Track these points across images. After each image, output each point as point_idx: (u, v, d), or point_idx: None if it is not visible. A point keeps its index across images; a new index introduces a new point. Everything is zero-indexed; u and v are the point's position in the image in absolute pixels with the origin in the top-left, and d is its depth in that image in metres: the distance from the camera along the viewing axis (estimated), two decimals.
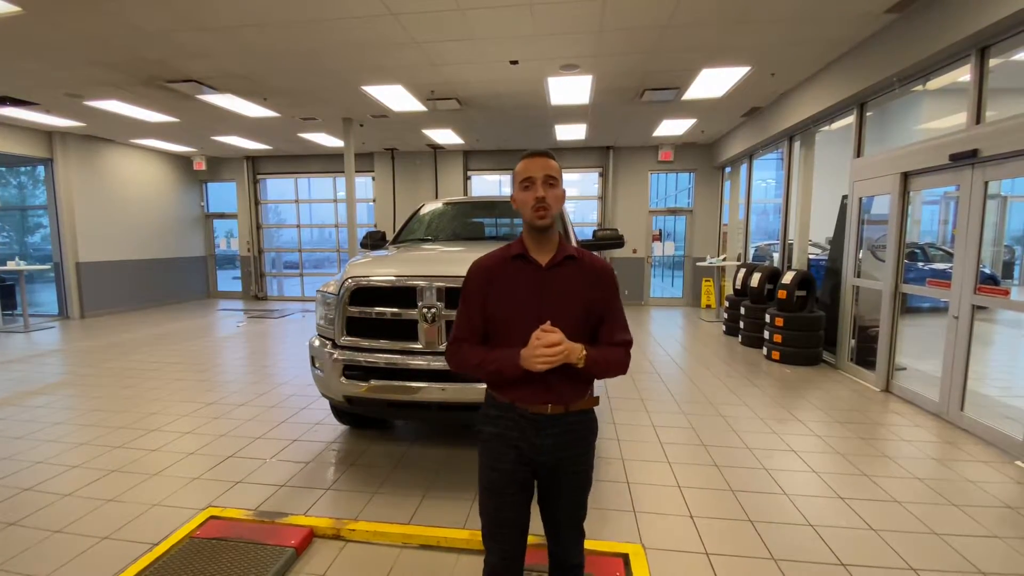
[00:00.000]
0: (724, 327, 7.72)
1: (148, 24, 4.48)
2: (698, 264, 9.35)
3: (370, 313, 3.06)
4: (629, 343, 1.56)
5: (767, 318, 6.07)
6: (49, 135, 8.61)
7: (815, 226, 6.88)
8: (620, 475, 3.15)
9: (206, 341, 7.30)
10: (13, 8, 4.11)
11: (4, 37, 4.66)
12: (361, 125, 8.27)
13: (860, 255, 5.50)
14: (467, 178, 10.89)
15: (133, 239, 10.08)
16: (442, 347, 2.95)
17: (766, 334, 6.09)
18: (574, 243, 4.25)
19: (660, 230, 10.92)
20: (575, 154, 10.63)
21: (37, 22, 4.37)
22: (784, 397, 4.65)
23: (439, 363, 2.93)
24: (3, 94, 6.46)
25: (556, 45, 5.05)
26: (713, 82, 6.23)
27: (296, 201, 11.73)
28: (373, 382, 3.01)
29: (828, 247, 6.72)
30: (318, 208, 11.99)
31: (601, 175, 10.71)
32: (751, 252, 9.27)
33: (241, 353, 6.63)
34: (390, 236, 4.64)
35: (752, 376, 5.33)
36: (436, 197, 10.66)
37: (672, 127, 8.72)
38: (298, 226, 11.87)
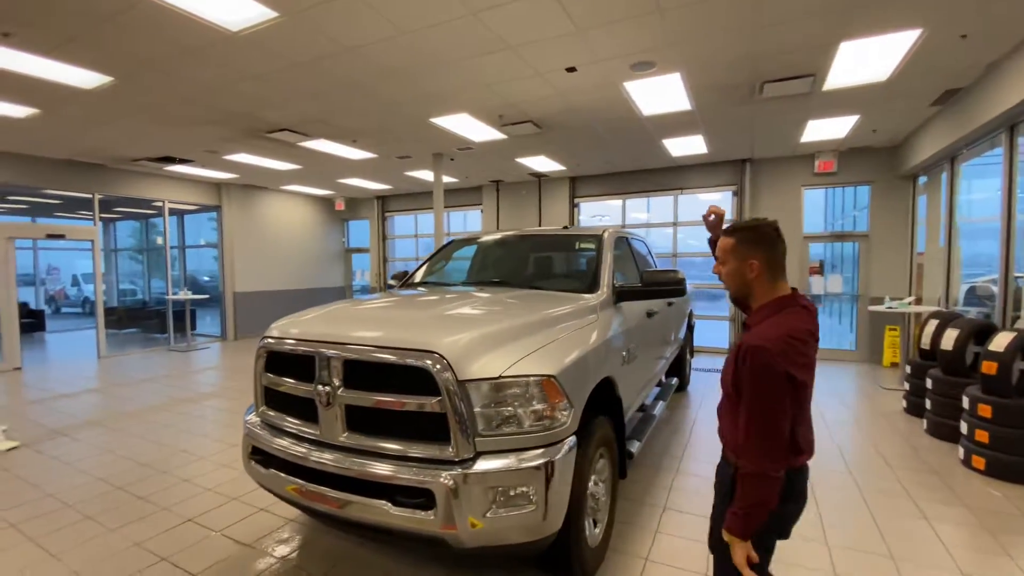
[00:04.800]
0: (904, 402, 5.40)
1: (212, 79, 4.76)
2: (871, 309, 6.91)
3: (278, 384, 2.47)
4: (744, 446, 1.42)
5: (966, 401, 3.93)
6: (218, 186, 10.29)
7: None
8: None
9: None
10: (107, 78, 4.71)
11: (111, 103, 5.40)
12: (452, 159, 8.10)
13: None
14: (574, 205, 10.01)
15: (282, 272, 11.47)
16: (343, 438, 2.20)
17: (964, 426, 3.93)
18: (603, 284, 3.18)
19: (821, 261, 8.53)
20: (700, 172, 8.98)
21: (130, 89, 4.96)
22: (989, 540, 2.75)
23: (330, 459, 2.17)
24: (163, 155, 7.77)
25: (611, 40, 4.03)
26: (865, 59, 4.43)
27: (416, 236, 12.22)
28: (273, 471, 2.39)
29: None
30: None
31: (735, 194, 8.85)
32: (961, 292, 6.54)
33: None
34: None
35: (936, 494, 3.37)
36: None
37: (825, 128, 6.68)
38: (417, 259, 12.32)
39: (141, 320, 11.12)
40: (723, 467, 1.65)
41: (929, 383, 4.62)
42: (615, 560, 2.71)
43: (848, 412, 5.35)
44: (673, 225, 9.52)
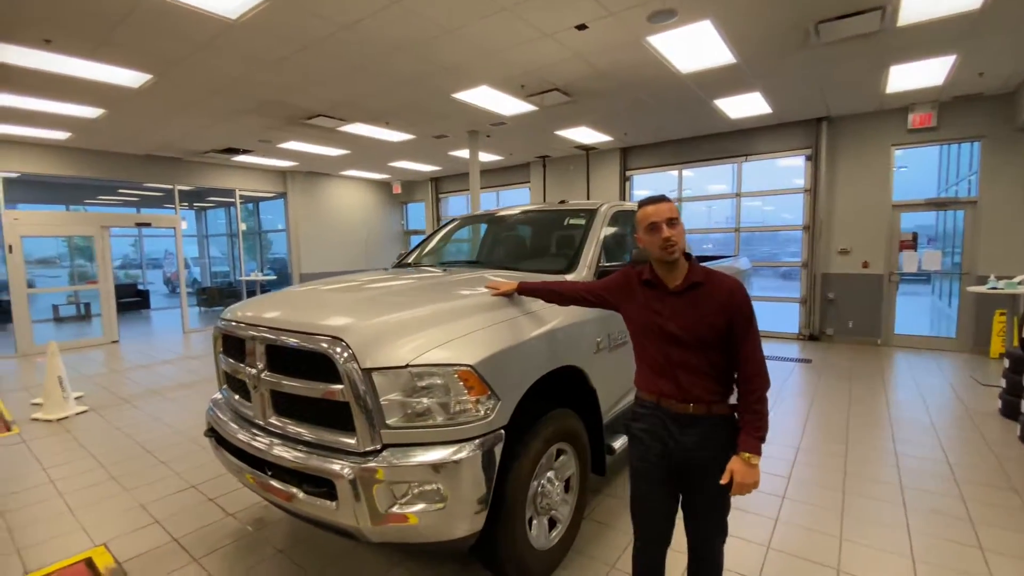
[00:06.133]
0: (1000, 402, 4.48)
1: (231, 69, 4.96)
2: (971, 289, 5.78)
3: (224, 365, 2.50)
4: (756, 371, 1.61)
5: None
6: (283, 174, 10.95)
7: None
8: None
9: None
10: (146, 76, 5.07)
11: (159, 99, 5.85)
12: (488, 136, 7.90)
13: None
14: (626, 179, 9.40)
15: (344, 254, 12.06)
16: (269, 421, 2.18)
17: None
18: (583, 264, 2.91)
19: (915, 233, 7.31)
20: (767, 135, 8.00)
21: (168, 85, 5.32)
22: None
23: (255, 441, 2.16)
24: (226, 146, 8.36)
25: None
26: None
27: None
28: (222, 450, 2.44)
29: None
30: None
31: (810, 159, 7.79)
32: None
33: None
34: None
35: (1007, 517, 2.73)
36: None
37: (915, 74, 5.60)
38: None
39: (228, 298, 12.28)
40: (709, 428, 1.67)
41: None
42: (577, 563, 2.49)
43: (927, 411, 4.54)
44: (736, 196, 8.64)
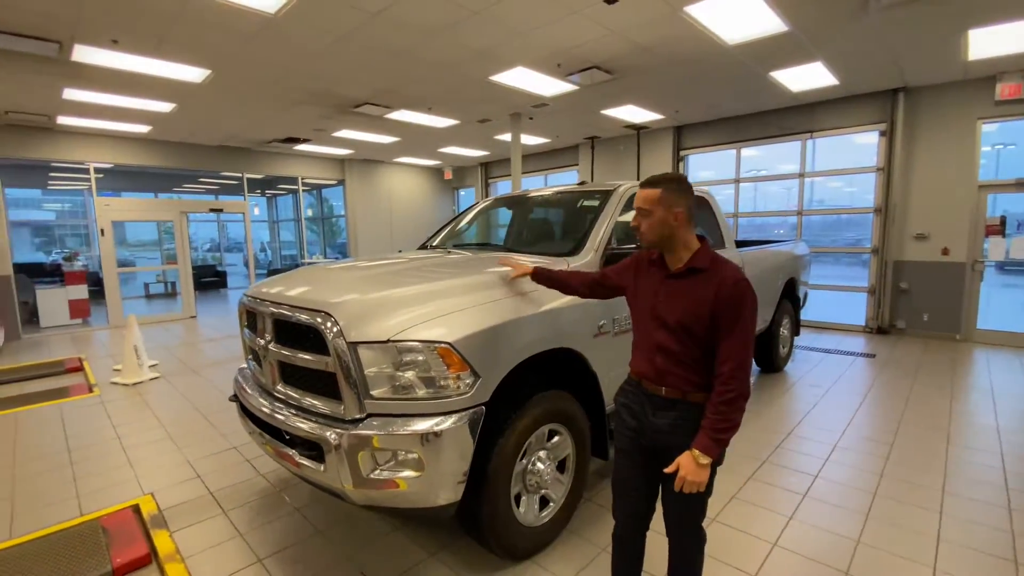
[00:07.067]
0: None
1: (279, 61, 5.24)
2: None
3: (244, 338, 2.72)
4: (734, 373, 1.51)
5: None
6: (342, 162, 11.46)
7: None
8: None
9: None
10: (207, 71, 5.47)
11: (220, 93, 6.29)
12: (531, 119, 7.82)
13: None
14: (679, 159, 8.99)
15: (398, 239, 12.49)
16: (279, 388, 2.35)
17: None
18: (589, 247, 2.86)
19: (1003, 217, 6.48)
20: (834, 109, 7.34)
21: (225, 79, 5.71)
22: None
23: (263, 406, 2.34)
24: (286, 136, 8.87)
25: None
26: None
27: None
28: (246, 417, 2.66)
29: None
30: None
31: (884, 134, 7.07)
32: None
33: None
34: None
35: None
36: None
37: (999, 39, 4.91)
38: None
39: None
40: (683, 412, 1.63)
41: None
42: (570, 543, 2.51)
43: (994, 414, 4.08)
44: (800, 176, 8.03)
